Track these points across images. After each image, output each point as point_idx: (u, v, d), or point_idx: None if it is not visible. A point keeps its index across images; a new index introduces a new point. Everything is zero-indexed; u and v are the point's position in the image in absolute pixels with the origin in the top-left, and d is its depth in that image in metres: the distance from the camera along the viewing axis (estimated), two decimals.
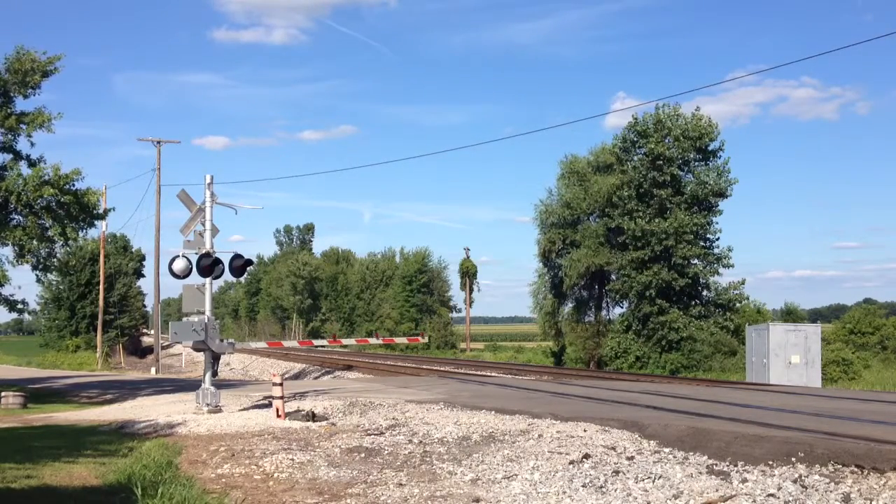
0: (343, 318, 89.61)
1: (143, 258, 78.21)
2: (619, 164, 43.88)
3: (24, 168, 22.49)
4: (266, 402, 16.08)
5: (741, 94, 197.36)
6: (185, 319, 15.93)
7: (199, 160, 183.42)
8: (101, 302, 54.87)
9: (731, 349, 38.16)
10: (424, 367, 34.70)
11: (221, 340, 15.71)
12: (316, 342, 40.89)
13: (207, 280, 15.39)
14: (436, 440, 10.92)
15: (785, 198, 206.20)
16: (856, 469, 7.48)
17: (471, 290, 79.50)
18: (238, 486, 8.46)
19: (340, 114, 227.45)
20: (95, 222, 24.22)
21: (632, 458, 8.93)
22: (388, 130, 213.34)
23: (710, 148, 41.10)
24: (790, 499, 6.84)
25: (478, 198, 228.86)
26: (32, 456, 10.63)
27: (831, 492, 6.89)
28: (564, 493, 7.54)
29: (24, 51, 22.23)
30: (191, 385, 24.42)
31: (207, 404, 15.10)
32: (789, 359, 26.69)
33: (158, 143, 45.65)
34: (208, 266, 15.11)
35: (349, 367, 36.21)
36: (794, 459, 7.97)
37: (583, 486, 7.67)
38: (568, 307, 50.05)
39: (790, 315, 48.96)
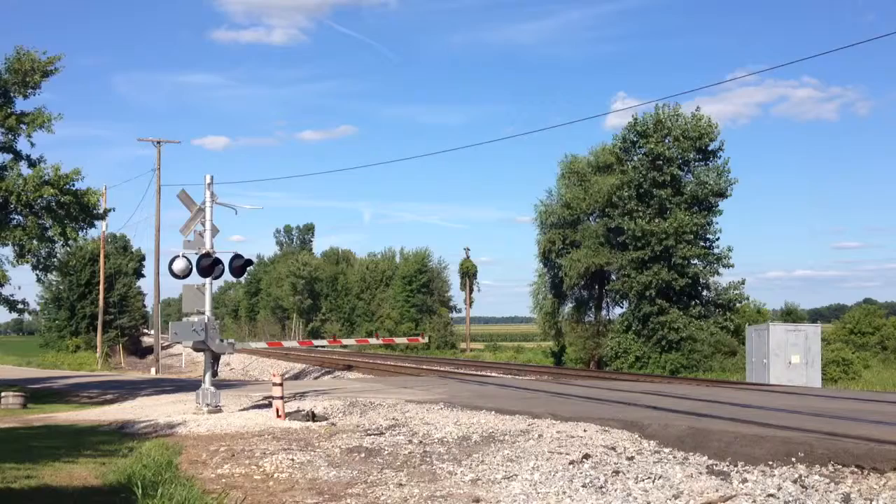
0: (343, 318, 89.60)
1: (143, 258, 78.28)
2: (619, 164, 43.87)
3: (24, 168, 22.54)
4: (266, 402, 16.08)
5: (741, 94, 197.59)
6: (185, 319, 15.93)
7: (199, 160, 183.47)
8: (101, 302, 54.88)
9: (731, 349, 38.16)
10: (424, 367, 34.70)
11: (221, 340, 15.71)
12: (316, 342, 40.82)
13: (207, 280, 15.39)
14: (436, 440, 10.92)
15: (785, 198, 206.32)
16: (856, 469, 7.48)
17: (471, 290, 79.54)
18: (238, 486, 8.46)
19: (340, 114, 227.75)
20: (95, 222, 24.25)
21: (632, 458, 8.93)
22: (388, 130, 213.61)
23: (710, 148, 41.08)
24: (790, 499, 6.84)
25: (478, 198, 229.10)
26: (32, 456, 10.63)
27: (831, 492, 6.89)
28: (564, 493, 7.54)
29: (24, 51, 22.25)
30: (191, 385, 24.42)
31: (207, 404, 15.10)
32: (789, 359, 26.69)
33: (158, 143, 45.67)
34: (208, 266, 15.11)
35: (349, 368, 36.21)
36: (794, 459, 7.97)
37: (583, 486, 7.67)
38: (568, 307, 50.09)
39: (790, 315, 49.00)
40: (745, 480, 7.55)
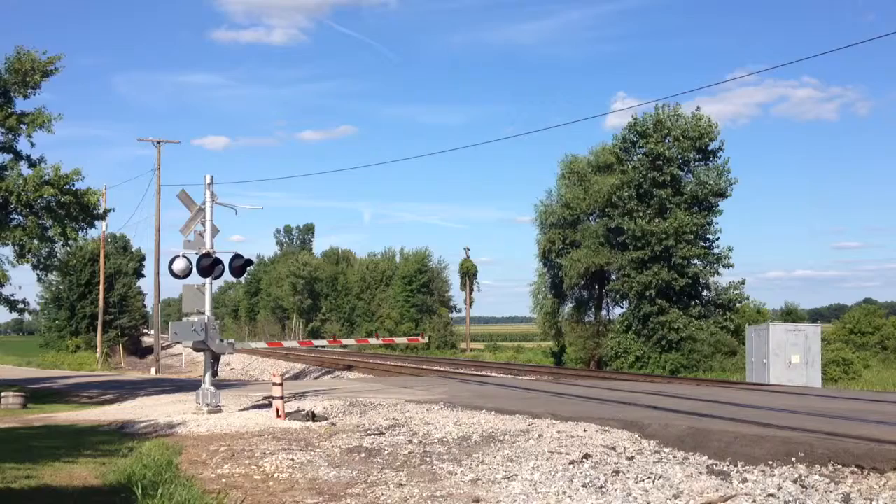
0: (343, 318, 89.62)
1: (143, 258, 78.32)
2: (619, 164, 43.87)
3: (24, 168, 22.56)
4: (266, 402, 16.08)
5: (741, 94, 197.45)
6: (185, 319, 15.93)
7: (199, 160, 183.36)
8: (101, 302, 54.89)
9: (731, 349, 38.17)
10: (424, 367, 34.71)
11: (221, 340, 15.71)
12: (316, 342, 40.83)
13: (207, 280, 15.39)
14: (436, 440, 10.92)
15: (785, 198, 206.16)
16: (856, 469, 7.48)
17: (471, 290, 79.55)
18: (238, 486, 8.46)
19: (340, 114, 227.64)
20: (95, 222, 24.26)
21: (632, 458, 8.93)
22: (388, 130, 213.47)
23: (710, 148, 41.09)
24: (790, 499, 6.84)
25: (478, 198, 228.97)
26: (32, 456, 10.63)
27: (831, 492, 6.89)
28: (564, 493, 7.54)
29: (25, 51, 22.26)
30: (191, 385, 24.42)
31: (207, 404, 15.10)
32: (789, 359, 26.69)
33: (158, 143, 45.67)
34: (208, 266, 15.11)
35: (349, 368, 36.21)
36: (794, 459, 7.97)
37: (583, 486, 7.67)
38: (568, 307, 50.10)
39: (790, 315, 49.00)
40: (745, 480, 7.55)
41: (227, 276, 16.00)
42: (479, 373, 30.11)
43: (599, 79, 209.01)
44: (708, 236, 41.04)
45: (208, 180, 15.81)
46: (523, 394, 17.24)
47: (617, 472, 8.14)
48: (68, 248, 26.71)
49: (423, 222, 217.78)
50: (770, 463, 8.04)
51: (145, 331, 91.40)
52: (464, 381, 23.26)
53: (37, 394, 25.04)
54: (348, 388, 19.68)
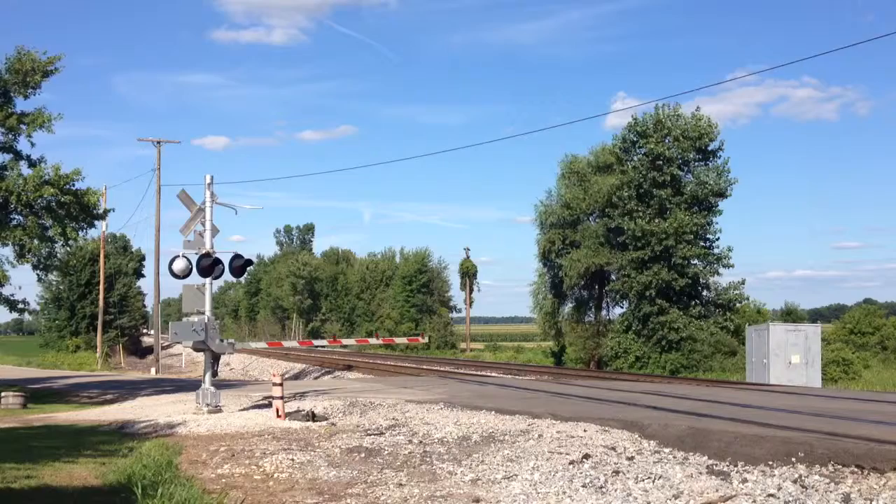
0: (343, 318, 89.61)
1: (143, 258, 78.32)
2: (618, 165, 43.86)
3: (24, 168, 22.55)
4: (266, 402, 16.08)
5: (741, 94, 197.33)
6: (185, 319, 15.92)
7: (199, 160, 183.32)
8: (101, 302, 54.89)
9: (731, 349, 38.16)
10: (424, 367, 34.71)
11: (221, 340, 15.71)
12: (316, 342, 40.80)
13: (207, 280, 15.39)
14: (436, 440, 10.92)
15: (785, 198, 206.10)
16: (856, 469, 7.48)
17: (471, 290, 79.54)
18: (238, 486, 8.46)
19: (340, 114, 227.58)
20: (95, 222, 24.26)
21: (632, 458, 8.93)
22: (388, 130, 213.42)
23: (709, 148, 41.09)
24: (790, 499, 6.84)
25: (478, 198, 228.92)
26: (32, 456, 10.63)
27: (831, 492, 6.90)
28: (564, 493, 7.54)
29: (25, 51, 22.26)
30: (191, 385, 24.42)
31: (207, 404, 15.10)
32: (789, 359, 26.69)
33: (158, 143, 45.67)
34: (208, 266, 15.11)
35: (349, 368, 36.22)
36: (794, 459, 7.97)
37: (583, 487, 7.67)
38: (568, 307, 50.10)
39: (790, 315, 48.99)
40: (745, 480, 7.55)
41: (227, 276, 16.03)
42: (479, 373, 30.11)
43: (599, 79, 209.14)
44: (708, 236, 41.05)
45: (208, 180, 15.81)
46: (523, 394, 17.24)
47: (617, 473, 8.14)
48: (68, 248, 26.71)
49: (423, 222, 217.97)
50: (770, 463, 8.04)
51: (145, 331, 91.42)
52: (464, 381, 23.26)
53: (37, 394, 25.04)
54: (348, 388, 19.68)
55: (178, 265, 15.16)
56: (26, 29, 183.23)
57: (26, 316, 37.71)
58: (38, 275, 24.55)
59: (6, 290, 23.65)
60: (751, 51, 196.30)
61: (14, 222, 22.36)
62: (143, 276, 78.08)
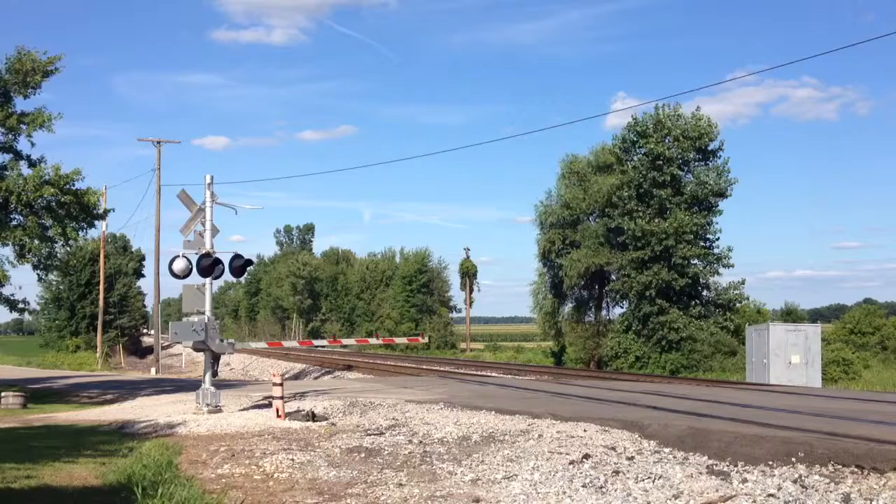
0: (343, 318, 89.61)
1: (143, 258, 78.35)
2: (618, 164, 43.87)
3: (24, 168, 22.54)
4: (266, 402, 16.08)
5: (741, 94, 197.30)
6: (185, 319, 15.93)
7: (199, 160, 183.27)
8: (101, 302, 54.89)
9: (731, 349, 38.16)
10: (424, 367, 34.71)
11: (221, 340, 15.71)
12: (316, 342, 40.80)
13: (207, 280, 15.39)
14: (436, 440, 10.92)
15: (785, 198, 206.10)
16: (856, 469, 7.48)
17: (471, 290, 79.55)
18: (238, 486, 8.46)
19: (340, 114, 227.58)
20: (95, 222, 24.25)
21: (632, 458, 8.93)
22: (388, 130, 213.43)
23: (709, 148, 41.10)
24: (790, 499, 6.84)
25: (478, 198, 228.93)
26: (32, 456, 10.63)
27: (831, 492, 6.90)
28: (564, 493, 7.54)
29: (25, 51, 22.24)
30: (191, 385, 24.42)
31: (207, 404, 15.10)
32: (789, 359, 26.69)
33: (158, 143, 45.68)
34: (208, 266, 15.11)
35: (349, 368, 36.21)
36: (794, 459, 7.97)
37: (583, 487, 7.67)
38: (568, 307, 50.11)
39: (790, 315, 48.99)
40: (745, 480, 7.55)
41: (227, 276, 16.03)
42: (479, 373, 30.10)
43: (599, 79, 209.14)
44: (708, 236, 41.05)
45: (208, 180, 15.81)
46: (523, 394, 17.25)
47: (617, 473, 8.14)
48: (68, 248, 26.70)
49: (423, 222, 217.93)
50: (770, 463, 8.04)
51: (145, 331, 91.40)
52: (464, 381, 23.26)
53: (37, 394, 25.04)
54: (348, 388, 19.68)
55: (178, 265, 15.16)
56: (26, 29, 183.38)
57: (26, 316, 37.72)
58: (38, 275, 24.57)
59: (6, 290, 23.68)
60: (751, 51, 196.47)
61: (14, 222, 22.36)
62: (143, 276, 78.20)
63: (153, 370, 44.50)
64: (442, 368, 33.35)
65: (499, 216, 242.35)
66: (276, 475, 8.99)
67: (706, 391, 18.17)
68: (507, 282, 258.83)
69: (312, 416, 13.93)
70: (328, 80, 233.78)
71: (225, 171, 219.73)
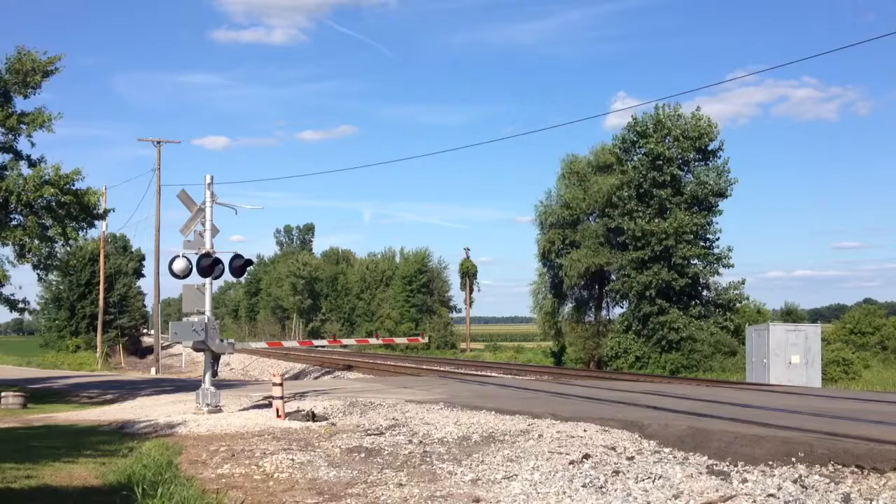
0: (343, 318, 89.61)
1: (142, 258, 78.37)
2: (618, 165, 43.88)
3: (24, 168, 22.53)
4: (266, 402, 16.08)
5: (741, 94, 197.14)
6: (185, 319, 15.92)
7: (199, 160, 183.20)
8: (101, 302, 54.89)
9: (731, 349, 38.17)
10: (424, 367, 34.70)
11: (221, 340, 15.71)
12: (316, 342, 40.83)
13: (207, 280, 15.39)
14: (436, 440, 10.92)
15: (785, 198, 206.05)
16: (856, 469, 7.48)
17: (471, 290, 79.54)
18: (238, 486, 8.46)
19: (340, 114, 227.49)
20: (95, 222, 24.25)
21: (632, 458, 8.93)
22: (388, 130, 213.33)
23: (709, 148, 41.11)
24: (790, 499, 6.84)
25: (478, 198, 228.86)
26: (32, 456, 10.63)
27: (831, 492, 6.90)
28: (564, 493, 7.54)
29: (25, 51, 22.24)
30: (191, 385, 24.42)
31: (207, 404, 15.10)
32: (789, 359, 26.69)
33: (158, 143, 45.68)
34: (208, 266, 15.11)
35: (349, 368, 36.21)
36: (794, 459, 7.97)
37: (583, 487, 7.67)
38: (568, 307, 50.12)
39: (790, 315, 49.01)
40: (745, 480, 7.55)
41: (227, 276, 16.03)
42: (479, 373, 30.10)
43: (599, 79, 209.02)
44: (708, 236, 41.07)
45: (208, 180, 15.81)
46: (523, 394, 17.25)
47: (617, 472, 8.14)
48: (68, 248, 26.70)
49: (423, 222, 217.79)
50: (770, 463, 8.04)
51: (145, 331, 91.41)
52: (464, 381, 23.26)
53: (37, 394, 25.03)
54: (348, 388, 19.68)
55: (178, 265, 15.16)
56: (26, 29, 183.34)
57: (26, 316, 37.72)
58: (38, 275, 24.57)
59: (6, 290, 23.67)
60: (751, 51, 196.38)
61: (14, 222, 22.36)
62: (143, 276, 78.21)
63: (153, 370, 44.50)
64: (442, 368, 33.35)
65: (499, 216, 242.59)
66: (276, 475, 8.99)
67: (706, 391, 18.17)
68: (507, 282, 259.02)
69: (312, 416, 13.93)
70: (328, 80, 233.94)
71: (225, 171, 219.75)
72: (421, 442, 10.80)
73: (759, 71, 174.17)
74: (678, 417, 11.35)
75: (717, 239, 41.25)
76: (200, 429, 13.09)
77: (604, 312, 48.23)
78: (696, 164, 41.35)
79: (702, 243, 40.67)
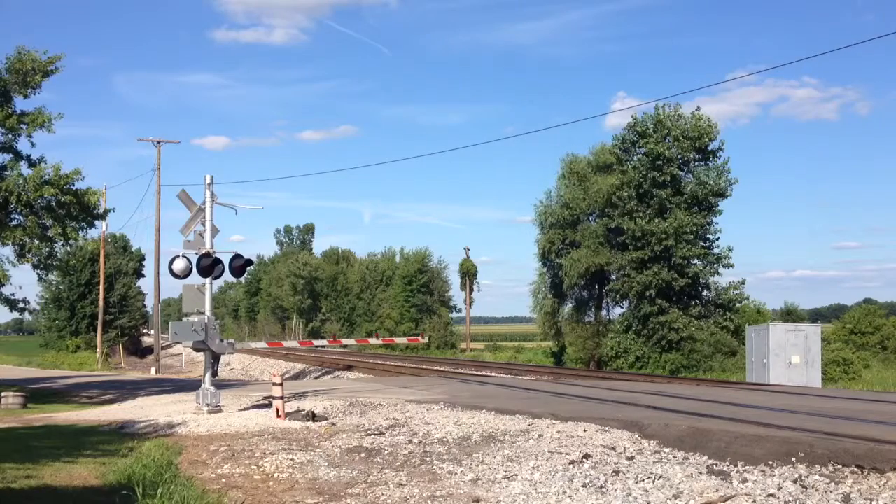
0: (343, 318, 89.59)
1: (142, 258, 78.36)
2: (618, 165, 43.89)
3: (24, 168, 22.52)
4: (266, 402, 16.08)
5: (741, 94, 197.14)
6: (185, 319, 15.92)
7: (199, 160, 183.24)
8: (101, 302, 54.89)
9: (731, 349, 38.17)
10: (424, 367, 34.70)
11: (221, 340, 15.71)
12: (316, 342, 40.88)
13: (207, 280, 15.39)
14: (436, 440, 10.92)
15: (785, 198, 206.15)
16: (856, 469, 7.48)
17: (471, 290, 79.50)
18: (238, 486, 8.46)
19: (340, 114, 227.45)
20: (95, 222, 24.24)
21: (632, 458, 8.93)
22: (388, 130, 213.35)
23: (709, 148, 41.13)
24: (790, 499, 6.84)
25: (478, 198, 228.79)
26: (32, 456, 10.63)
27: (831, 492, 6.90)
28: (564, 493, 7.55)
29: (25, 51, 22.23)
30: (191, 385, 24.42)
31: (207, 404, 15.10)
32: (789, 359, 26.69)
33: (158, 143, 45.68)
34: (208, 266, 15.11)
35: (349, 368, 36.21)
36: (794, 459, 7.97)
37: (583, 486, 7.68)
38: (568, 307, 50.12)
39: (790, 315, 49.01)
40: (745, 480, 7.55)
41: (227, 276, 16.03)
42: (479, 373, 30.10)
43: (599, 79, 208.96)
44: (708, 236, 41.08)
45: (208, 180, 15.81)
46: (523, 394, 17.25)
47: (617, 472, 8.14)
48: (68, 248, 26.70)
49: (423, 222, 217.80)
50: (770, 463, 8.04)
51: (145, 331, 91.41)
52: (464, 381, 23.26)
53: (37, 394, 25.03)
54: (348, 388, 19.68)
55: (178, 265, 15.16)
56: (26, 29, 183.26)
57: (26, 316, 37.72)
58: (38, 275, 24.55)
59: (6, 290, 23.66)
60: (751, 51, 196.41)
61: (14, 222, 22.36)
62: (143, 276, 78.19)
63: (153, 370, 44.50)
64: (442, 368, 33.35)
65: (499, 216, 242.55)
66: (276, 475, 8.99)
67: (706, 391, 18.17)
68: (507, 282, 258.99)
69: (312, 416, 13.93)
70: (328, 80, 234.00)
71: (225, 171, 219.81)
72: (421, 442, 10.80)
73: (759, 71, 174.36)
74: (678, 417, 11.35)
75: (717, 239, 41.34)
76: (200, 429, 13.09)
77: (604, 312, 48.24)
78: (696, 164, 41.36)
79: (702, 243, 40.68)
